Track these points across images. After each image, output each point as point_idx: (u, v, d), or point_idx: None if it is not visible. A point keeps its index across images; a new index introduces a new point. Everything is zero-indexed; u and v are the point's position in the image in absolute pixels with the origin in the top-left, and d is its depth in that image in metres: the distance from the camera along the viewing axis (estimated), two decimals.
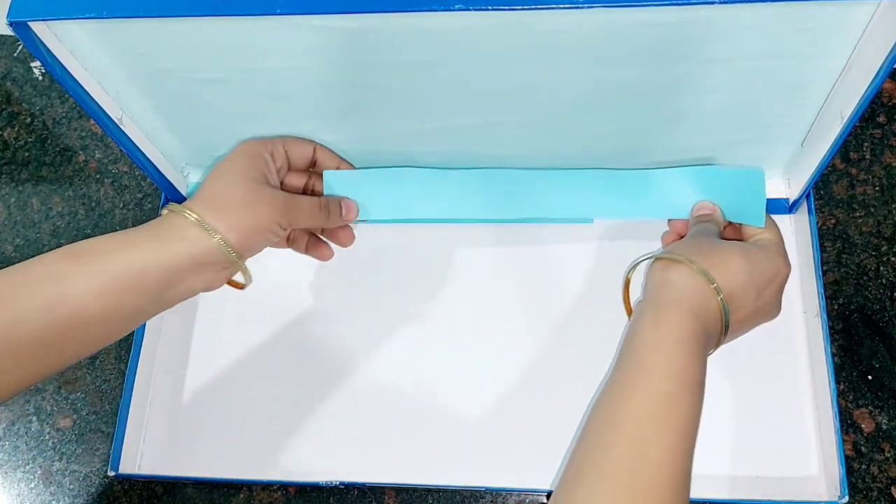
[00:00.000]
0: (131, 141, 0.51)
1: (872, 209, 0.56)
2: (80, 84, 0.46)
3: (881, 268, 0.54)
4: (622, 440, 0.39)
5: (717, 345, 0.45)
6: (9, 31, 0.40)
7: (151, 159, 0.54)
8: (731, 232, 0.51)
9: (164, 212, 0.45)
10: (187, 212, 0.43)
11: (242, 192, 0.46)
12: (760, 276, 0.45)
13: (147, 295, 0.43)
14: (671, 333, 0.42)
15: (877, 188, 0.57)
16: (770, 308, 0.47)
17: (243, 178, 0.46)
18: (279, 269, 0.55)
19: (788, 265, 0.47)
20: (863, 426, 0.51)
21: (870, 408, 0.51)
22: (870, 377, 0.52)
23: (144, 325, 0.54)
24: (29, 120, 0.66)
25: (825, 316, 0.50)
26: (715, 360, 0.50)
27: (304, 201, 0.49)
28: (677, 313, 0.42)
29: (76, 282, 0.40)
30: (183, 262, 0.43)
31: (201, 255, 0.44)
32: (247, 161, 0.48)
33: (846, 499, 0.46)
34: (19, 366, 0.40)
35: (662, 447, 0.38)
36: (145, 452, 0.53)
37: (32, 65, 0.68)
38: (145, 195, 0.62)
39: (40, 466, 0.54)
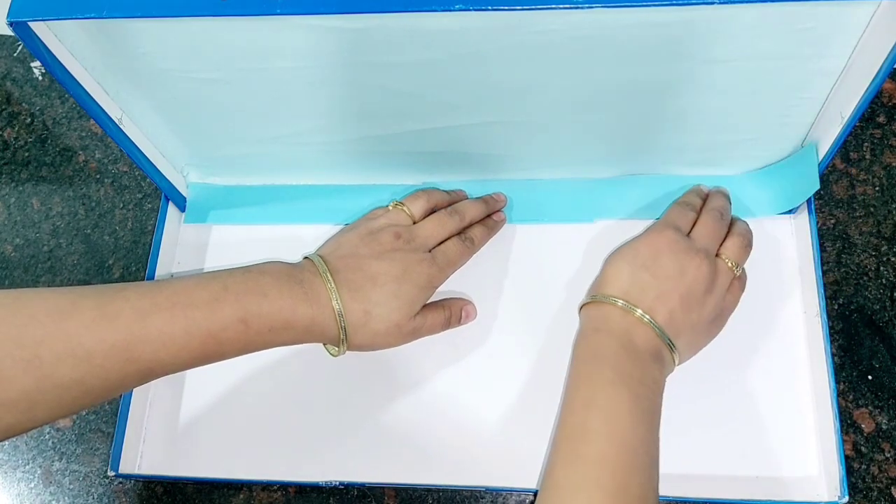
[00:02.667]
0: (131, 141, 0.51)
1: (872, 209, 0.56)
2: (80, 84, 0.46)
3: (881, 268, 0.54)
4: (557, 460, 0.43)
5: (662, 340, 0.46)
6: (9, 31, 0.40)
7: (151, 159, 0.54)
8: None
9: (317, 282, 0.46)
10: (342, 319, 0.46)
11: (397, 319, 0.48)
12: (634, 256, 0.48)
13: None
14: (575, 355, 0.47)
15: (877, 188, 0.57)
16: (681, 268, 0.47)
17: (408, 307, 0.48)
18: None
19: (658, 231, 0.49)
20: (863, 426, 0.51)
21: (870, 408, 0.51)
22: (870, 377, 0.52)
23: None
24: (29, 120, 0.66)
25: (825, 316, 0.50)
26: (715, 360, 0.50)
27: (433, 323, 0.51)
28: (579, 337, 0.48)
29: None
30: (298, 341, 0.47)
31: (315, 339, 0.47)
32: (425, 293, 0.49)
33: (846, 499, 0.46)
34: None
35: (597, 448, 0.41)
36: (145, 452, 0.53)
37: (32, 65, 0.68)
38: (145, 195, 0.62)
39: (40, 466, 0.54)
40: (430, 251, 0.50)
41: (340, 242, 0.50)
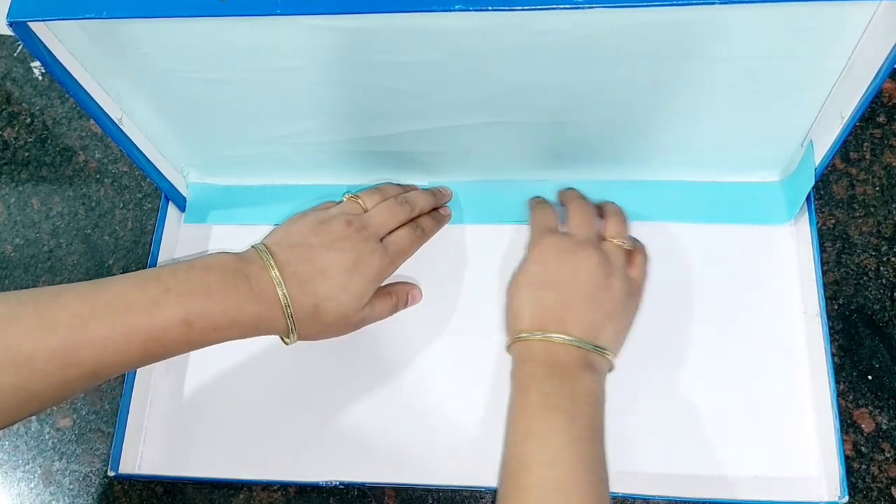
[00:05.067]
0: (131, 141, 0.51)
1: (872, 209, 0.56)
2: (80, 84, 0.46)
3: (881, 268, 0.54)
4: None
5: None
6: (9, 31, 0.40)
7: (151, 159, 0.54)
8: None
9: (265, 280, 0.45)
10: (289, 313, 0.45)
11: (346, 312, 0.48)
12: (529, 279, 0.49)
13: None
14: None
15: (877, 188, 0.57)
16: (573, 268, 0.48)
17: (357, 300, 0.48)
18: None
19: (536, 242, 0.50)
20: (863, 426, 0.51)
21: (870, 408, 0.51)
22: (870, 377, 0.52)
23: None
24: (29, 120, 0.66)
25: (825, 316, 0.50)
26: (715, 360, 0.51)
27: (381, 311, 0.51)
28: (512, 372, 0.48)
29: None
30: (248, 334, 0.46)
31: (264, 333, 0.47)
32: (374, 285, 0.49)
33: (846, 499, 0.46)
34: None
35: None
36: (145, 452, 0.53)
37: (32, 65, 0.68)
38: (145, 195, 0.62)
39: (40, 466, 0.54)
40: (381, 240, 0.50)
41: (290, 231, 0.49)
